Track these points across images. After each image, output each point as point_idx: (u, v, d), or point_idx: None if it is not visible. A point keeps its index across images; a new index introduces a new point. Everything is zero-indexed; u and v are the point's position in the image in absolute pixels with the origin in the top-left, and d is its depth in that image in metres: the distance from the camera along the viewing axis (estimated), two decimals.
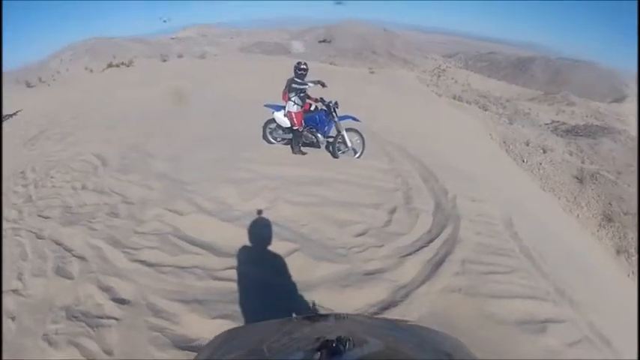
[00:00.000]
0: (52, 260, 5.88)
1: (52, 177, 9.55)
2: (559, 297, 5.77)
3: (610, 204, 18.24)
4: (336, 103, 10.15)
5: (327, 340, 1.27)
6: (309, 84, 9.68)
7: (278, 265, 5.54)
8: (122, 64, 34.03)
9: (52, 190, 8.76)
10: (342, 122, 10.18)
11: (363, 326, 1.78)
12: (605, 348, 4.95)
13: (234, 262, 5.65)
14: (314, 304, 4.85)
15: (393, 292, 5.25)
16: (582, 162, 22.66)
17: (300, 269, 5.46)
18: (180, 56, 43.78)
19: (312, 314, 2.03)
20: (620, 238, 16.93)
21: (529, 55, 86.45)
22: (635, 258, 16.08)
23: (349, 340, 1.29)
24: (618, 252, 16.44)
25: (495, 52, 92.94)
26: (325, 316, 1.78)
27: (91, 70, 33.96)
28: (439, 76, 62.42)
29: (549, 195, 19.15)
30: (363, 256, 6.04)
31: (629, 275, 15.53)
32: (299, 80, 9.68)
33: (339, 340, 1.28)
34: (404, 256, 6.08)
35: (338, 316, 1.89)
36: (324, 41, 77.73)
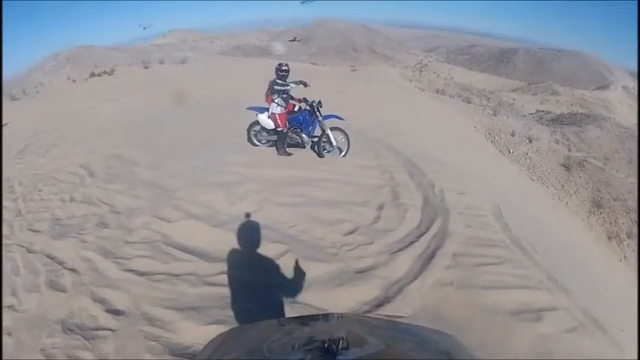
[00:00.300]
0: (45, 274, 5.83)
1: (40, 190, 9.49)
2: (552, 285, 5.81)
3: (599, 190, 18.41)
4: (319, 102, 10.16)
5: (322, 341, 1.31)
6: (292, 85, 9.70)
7: (269, 267, 5.52)
8: (104, 72, 33.87)
9: (40, 204, 8.70)
10: (326, 121, 10.20)
11: (363, 326, 1.79)
12: (600, 334, 4.99)
13: (225, 267, 5.64)
14: (308, 304, 4.87)
15: (386, 289, 5.27)
16: (569, 150, 22.79)
17: (292, 270, 5.46)
18: (161, 62, 43.64)
19: (312, 314, 2.05)
20: (610, 223, 17.10)
21: (511, 47, 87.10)
22: (627, 243, 16.24)
23: (342, 339, 1.31)
24: (609, 237, 16.62)
25: (476, 44, 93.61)
26: (326, 316, 1.80)
27: (74, 80, 33.70)
28: (421, 71, 62.87)
29: (537, 184, 19.28)
30: (353, 254, 6.06)
31: (621, 260, 15.72)
32: (280, 82, 9.68)
33: (331, 340, 1.29)
34: (394, 252, 6.10)
35: (339, 316, 1.90)
36: (294, 40, 78.10)
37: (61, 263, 6.11)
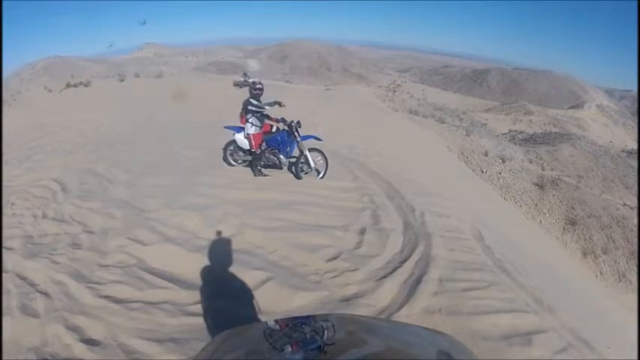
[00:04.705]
0: (17, 297, 5.61)
1: (12, 204, 9.18)
2: (538, 307, 5.85)
3: (573, 208, 18.68)
4: (298, 122, 10.03)
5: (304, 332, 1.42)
6: (266, 106, 9.62)
7: (252, 296, 5.38)
8: (80, 83, 33.42)
9: (13, 219, 8.35)
10: (304, 142, 10.08)
11: (363, 326, 1.81)
12: (589, 352, 5.11)
13: (205, 295, 5.46)
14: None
15: None
16: (542, 169, 23.11)
17: (276, 300, 5.32)
18: (136, 76, 43.32)
19: (311, 315, 2.05)
20: (585, 240, 17.39)
21: (484, 67, 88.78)
22: (602, 258, 16.57)
23: (325, 328, 1.44)
24: (585, 254, 16.93)
25: (450, 65, 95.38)
26: (325, 317, 1.75)
27: (50, 90, 33.18)
28: (395, 91, 63.56)
29: (511, 203, 19.48)
30: (338, 282, 5.93)
31: (597, 275, 16.06)
32: (254, 102, 9.55)
33: (315, 330, 1.41)
34: (380, 279, 5.98)
35: (339, 317, 1.91)
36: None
37: (33, 285, 5.85)
